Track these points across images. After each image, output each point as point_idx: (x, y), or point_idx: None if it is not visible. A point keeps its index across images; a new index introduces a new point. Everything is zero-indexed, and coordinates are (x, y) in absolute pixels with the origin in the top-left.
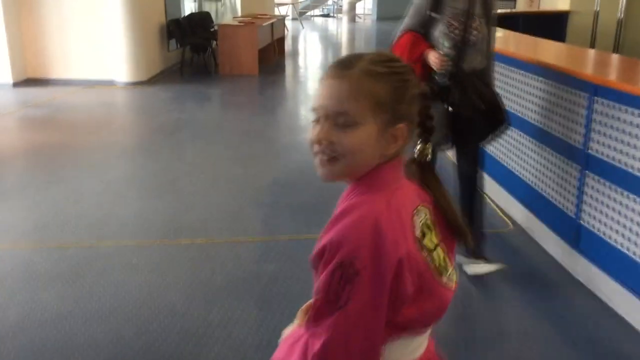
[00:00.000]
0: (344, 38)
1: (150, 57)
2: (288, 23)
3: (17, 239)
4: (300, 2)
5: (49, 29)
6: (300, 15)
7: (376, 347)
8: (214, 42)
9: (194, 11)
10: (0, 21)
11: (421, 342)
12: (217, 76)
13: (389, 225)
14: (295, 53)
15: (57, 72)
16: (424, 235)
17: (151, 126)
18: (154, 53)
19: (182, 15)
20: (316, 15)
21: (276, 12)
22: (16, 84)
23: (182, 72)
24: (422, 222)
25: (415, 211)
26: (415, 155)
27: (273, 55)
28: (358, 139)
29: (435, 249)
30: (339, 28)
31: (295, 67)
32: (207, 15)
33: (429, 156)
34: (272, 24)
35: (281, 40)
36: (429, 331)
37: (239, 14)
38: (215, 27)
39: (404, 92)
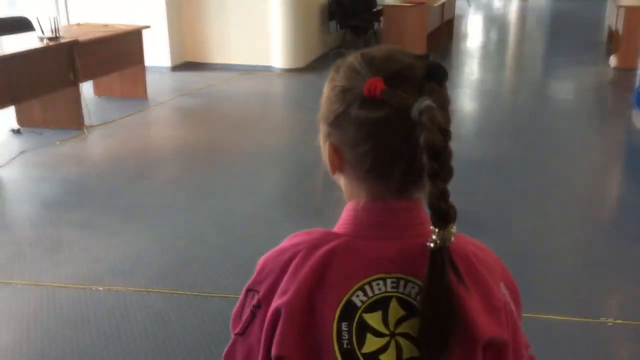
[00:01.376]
0: (515, 19)
1: (309, 42)
2: None
3: (149, 279)
4: None
5: (208, 12)
6: None
7: None
8: (376, 24)
9: None
10: (162, 5)
11: None
12: None
13: (297, 267)
14: (464, 37)
15: (215, 56)
16: (375, 308)
17: (305, 123)
18: (313, 37)
19: None
20: None
21: None
22: (174, 68)
23: (342, 58)
24: (382, 293)
25: (373, 277)
26: (430, 241)
27: (442, 40)
28: (320, 140)
29: (385, 336)
30: (508, 7)
31: (467, 53)
32: None
33: (445, 244)
34: (442, 4)
35: (451, 22)
36: None
37: None
38: (379, 7)
39: (329, 105)
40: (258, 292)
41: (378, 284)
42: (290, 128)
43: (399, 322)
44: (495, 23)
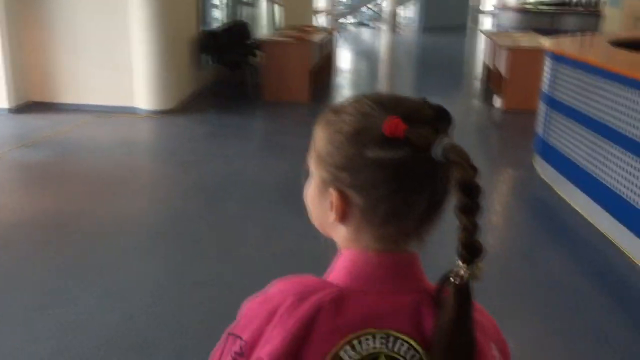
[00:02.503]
0: (388, 54)
1: (179, 79)
2: None
3: None
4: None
5: (56, 42)
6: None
7: None
8: (252, 58)
9: (224, 20)
10: None
11: None
12: (259, 103)
13: (284, 317)
14: (343, 73)
15: (67, 95)
16: None
17: (184, 184)
18: (184, 74)
19: (217, 26)
20: (350, 24)
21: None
22: (15, 110)
23: (217, 96)
24: (370, 349)
25: (361, 332)
26: (451, 275)
27: (322, 76)
28: (308, 191)
29: None
30: (380, 40)
31: (345, 89)
32: (244, 25)
33: (472, 280)
34: (323, 40)
35: (329, 58)
36: None
37: (268, 21)
38: (254, 40)
39: (334, 149)
40: (241, 338)
41: (367, 339)
42: (165, 190)
43: None
44: (368, 58)
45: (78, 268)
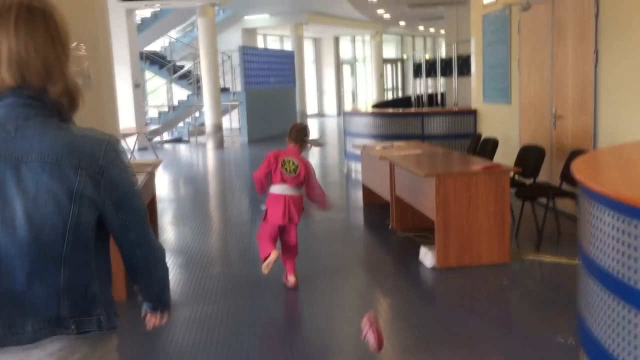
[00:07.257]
0: (222, 177)
1: None
2: (135, 154)
3: None
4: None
5: None
6: (149, 142)
7: (262, 178)
8: None
9: None
10: None
11: (283, 189)
12: None
13: (277, 153)
14: (173, 221)
15: None
16: (284, 162)
17: None
18: None
19: None
20: (166, 142)
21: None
22: None
23: None
24: (286, 161)
25: (285, 156)
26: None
27: None
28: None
29: (288, 165)
30: (206, 159)
31: (192, 259)
32: None
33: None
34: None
35: (153, 205)
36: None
37: None
38: None
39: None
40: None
41: (286, 157)
42: None
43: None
44: (195, 187)
45: None
